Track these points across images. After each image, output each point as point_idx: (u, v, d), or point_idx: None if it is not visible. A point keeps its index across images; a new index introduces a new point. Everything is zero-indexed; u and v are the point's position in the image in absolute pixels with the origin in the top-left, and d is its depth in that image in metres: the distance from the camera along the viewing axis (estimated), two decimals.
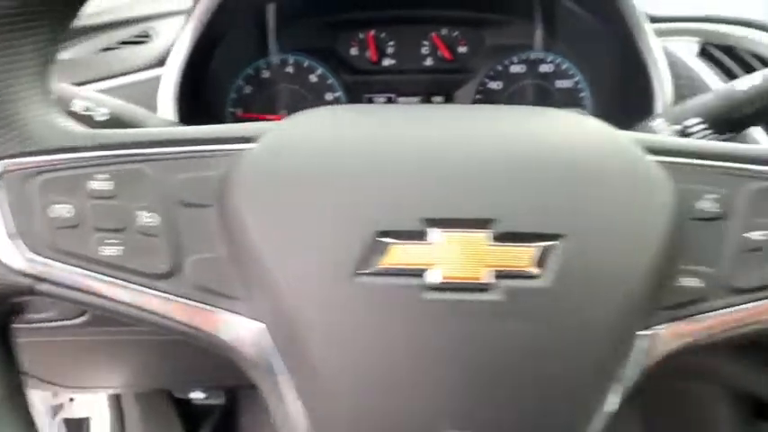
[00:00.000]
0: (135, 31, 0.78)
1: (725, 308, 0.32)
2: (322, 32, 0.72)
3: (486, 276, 0.29)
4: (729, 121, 0.48)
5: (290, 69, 0.73)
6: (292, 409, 0.31)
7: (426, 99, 0.74)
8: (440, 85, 0.73)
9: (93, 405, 1.26)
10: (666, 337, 0.32)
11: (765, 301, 0.32)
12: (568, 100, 0.73)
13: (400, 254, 0.29)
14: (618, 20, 0.60)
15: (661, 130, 0.49)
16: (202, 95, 0.70)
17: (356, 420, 0.30)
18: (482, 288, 0.29)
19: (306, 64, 0.73)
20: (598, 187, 0.31)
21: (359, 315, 0.29)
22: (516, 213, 0.29)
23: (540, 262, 0.29)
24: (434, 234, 0.29)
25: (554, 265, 0.29)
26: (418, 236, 0.29)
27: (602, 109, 0.72)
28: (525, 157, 0.31)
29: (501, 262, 0.29)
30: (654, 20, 0.67)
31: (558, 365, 0.29)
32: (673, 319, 0.32)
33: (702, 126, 0.48)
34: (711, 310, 0.32)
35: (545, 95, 0.73)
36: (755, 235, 0.32)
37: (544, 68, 0.73)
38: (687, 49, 0.64)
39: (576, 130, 0.34)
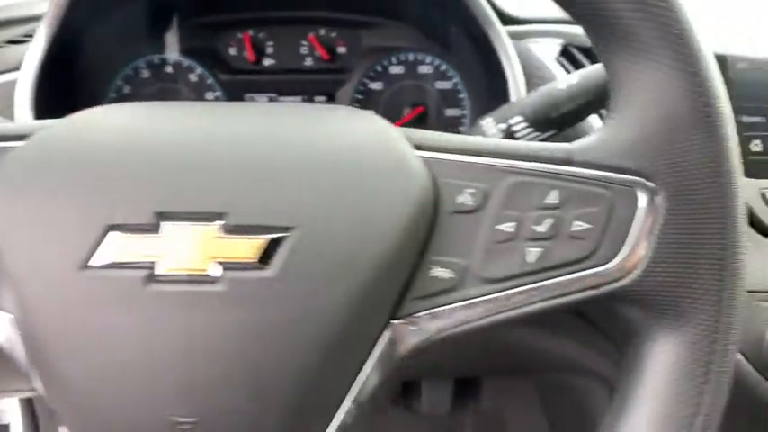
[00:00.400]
0: (24, 30, 0.78)
1: (475, 298, 0.33)
2: (201, 33, 0.73)
3: (212, 268, 0.29)
4: (549, 119, 0.49)
5: (169, 69, 0.73)
6: (45, 401, 0.32)
7: (309, 99, 0.75)
8: (320, 85, 0.74)
9: (13, 411, 1.24)
10: (416, 327, 0.33)
11: (513, 290, 0.33)
12: (449, 101, 0.75)
13: (130, 247, 0.30)
14: (471, 22, 0.62)
15: (489, 129, 0.51)
16: (78, 95, 0.70)
17: (94, 413, 0.30)
18: (208, 280, 0.29)
19: (186, 64, 0.73)
20: (344, 180, 0.32)
21: (88, 308, 0.29)
22: (247, 206, 0.30)
23: (267, 253, 0.30)
24: (166, 227, 0.30)
25: (281, 256, 0.30)
26: (150, 229, 0.30)
27: (479, 109, 0.74)
28: (267, 152, 0.32)
29: (227, 254, 0.30)
30: (518, 21, 0.69)
31: (286, 356, 0.29)
32: (423, 310, 0.33)
33: (525, 125, 0.49)
34: (462, 300, 0.33)
35: (425, 96, 0.74)
36: (505, 227, 0.33)
37: (423, 70, 0.74)
38: (548, 51, 0.65)
39: (342, 126, 0.35)
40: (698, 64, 0.33)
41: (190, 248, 0.30)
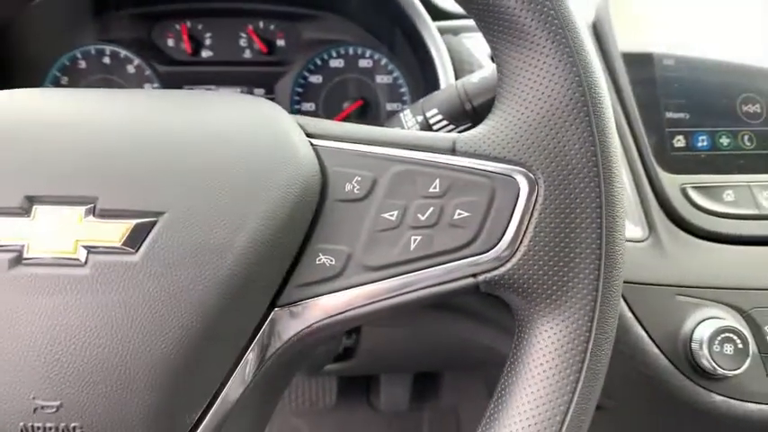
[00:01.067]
0: None
1: (357, 286, 0.33)
2: (138, 23, 0.72)
3: (79, 252, 0.29)
4: (464, 111, 0.49)
5: (106, 60, 0.72)
6: None
7: (248, 91, 0.75)
8: (259, 78, 0.74)
9: None
10: (298, 315, 0.33)
11: (393, 278, 0.33)
12: (390, 95, 0.75)
13: (0, 230, 0.29)
14: (402, 15, 0.62)
15: (407, 121, 0.51)
16: (14, 85, 0.69)
17: None
18: (74, 263, 0.29)
19: (123, 55, 0.72)
20: (222, 167, 0.32)
21: None
22: (118, 191, 0.30)
23: (132, 238, 0.29)
24: (37, 211, 0.30)
25: (147, 241, 0.29)
26: (21, 212, 0.30)
27: None
28: (145, 137, 0.32)
29: (94, 237, 0.29)
30: (453, 16, 0.69)
31: (152, 342, 0.29)
32: (305, 298, 0.33)
33: (440, 117, 0.49)
34: (344, 288, 0.33)
35: (366, 90, 0.74)
36: (389, 215, 0.33)
37: (363, 63, 0.74)
38: (483, 45, 0.65)
39: (230, 112, 0.34)
40: (578, 54, 0.33)
41: (59, 232, 0.29)
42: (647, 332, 0.53)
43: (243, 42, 0.73)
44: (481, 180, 0.34)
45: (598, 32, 0.62)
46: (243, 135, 0.33)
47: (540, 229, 0.33)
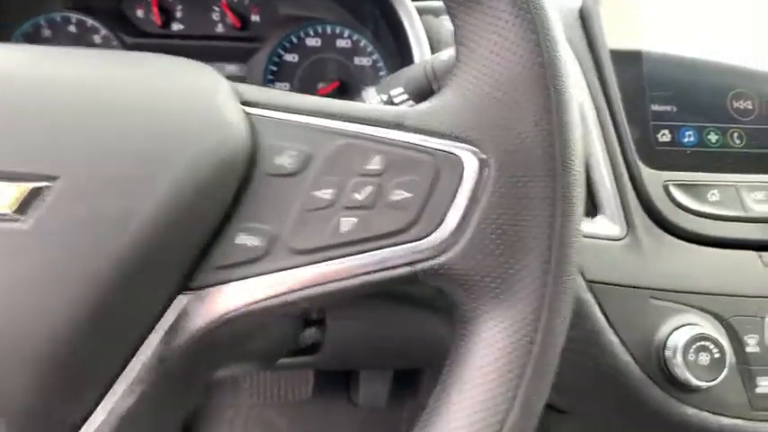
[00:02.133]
0: None
1: (282, 270, 0.30)
2: None
3: None
4: (430, 92, 0.46)
5: (72, 29, 0.69)
6: None
7: (221, 67, 0.71)
8: (232, 54, 0.70)
9: None
10: (216, 299, 0.30)
11: (322, 263, 0.30)
12: (368, 77, 0.71)
13: None
14: None
15: (370, 99, 0.47)
16: None
17: None
18: None
19: (89, 24, 0.69)
20: (133, 131, 0.28)
21: None
22: (9, 151, 0.27)
23: (22, 204, 0.26)
24: None
25: (39, 207, 0.26)
26: None
27: None
28: (46, 95, 0.28)
29: None
30: None
31: (41, 319, 0.26)
32: (224, 281, 0.30)
33: (405, 96, 0.46)
34: (269, 272, 0.30)
35: (342, 71, 0.71)
36: (322, 193, 0.30)
37: (341, 44, 0.71)
38: None
39: (156, 75, 0.31)
40: (537, 16, 0.29)
41: None
42: (618, 336, 0.50)
43: (215, 16, 0.70)
44: (425, 158, 0.30)
45: (585, 23, 0.58)
46: (158, 96, 0.30)
47: (486, 216, 0.30)
